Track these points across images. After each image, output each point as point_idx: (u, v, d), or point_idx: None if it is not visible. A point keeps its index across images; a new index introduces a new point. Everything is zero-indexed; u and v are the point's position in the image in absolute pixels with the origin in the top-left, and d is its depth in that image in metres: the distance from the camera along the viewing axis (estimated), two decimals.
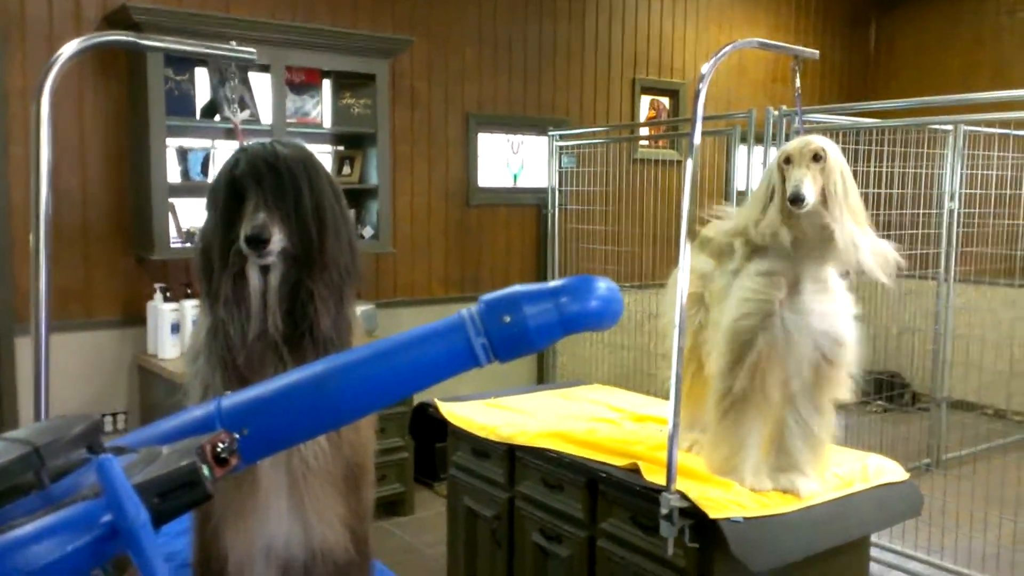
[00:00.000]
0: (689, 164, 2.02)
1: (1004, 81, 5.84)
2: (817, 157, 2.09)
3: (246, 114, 1.52)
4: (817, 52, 2.23)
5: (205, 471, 0.85)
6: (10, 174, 3.67)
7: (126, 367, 3.93)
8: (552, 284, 1.07)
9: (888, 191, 4.66)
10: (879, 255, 2.10)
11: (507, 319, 1.03)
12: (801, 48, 2.17)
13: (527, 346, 1.04)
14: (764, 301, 2.09)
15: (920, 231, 4.82)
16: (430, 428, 4.57)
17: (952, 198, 4.67)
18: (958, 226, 4.71)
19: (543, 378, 5.27)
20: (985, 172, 4.82)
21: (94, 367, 3.88)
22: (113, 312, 3.89)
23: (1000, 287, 4.72)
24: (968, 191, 4.74)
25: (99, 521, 0.76)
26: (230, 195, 1.47)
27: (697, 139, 2.02)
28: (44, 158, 1.43)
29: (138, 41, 1.56)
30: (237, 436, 0.95)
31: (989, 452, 4.68)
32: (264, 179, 1.45)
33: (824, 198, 2.08)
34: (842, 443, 2.55)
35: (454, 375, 1.05)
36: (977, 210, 4.85)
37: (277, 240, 1.44)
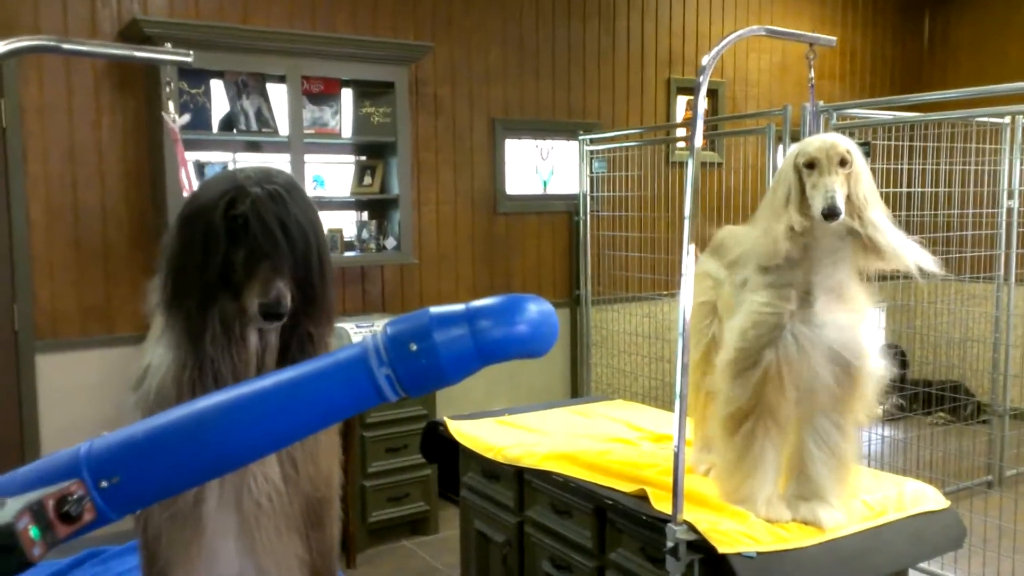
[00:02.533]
0: (690, 164, 1.85)
1: None
2: (844, 162, 1.90)
3: (185, 119, 1.43)
4: (834, 39, 2.04)
5: (32, 533, 0.72)
6: (28, 190, 3.66)
7: None
8: (472, 305, 0.92)
9: (941, 190, 4.38)
10: (914, 249, 1.90)
11: (413, 347, 0.89)
12: (815, 35, 1.98)
13: (438, 378, 0.90)
14: (772, 314, 1.91)
15: (979, 232, 4.53)
16: (446, 446, 4.46)
17: (1011, 196, 4.37)
18: (1018, 226, 4.40)
19: (576, 392, 5.09)
20: None
21: (116, 383, 3.84)
22: (134, 328, 3.86)
23: None
24: None
25: None
26: (226, 238, 1.34)
27: (698, 140, 1.85)
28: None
29: (60, 45, 1.46)
30: (92, 488, 0.82)
31: None
32: (278, 240, 1.33)
33: (851, 204, 1.89)
34: (897, 458, 2.34)
35: (356, 412, 0.92)
36: None
37: (288, 303, 1.33)
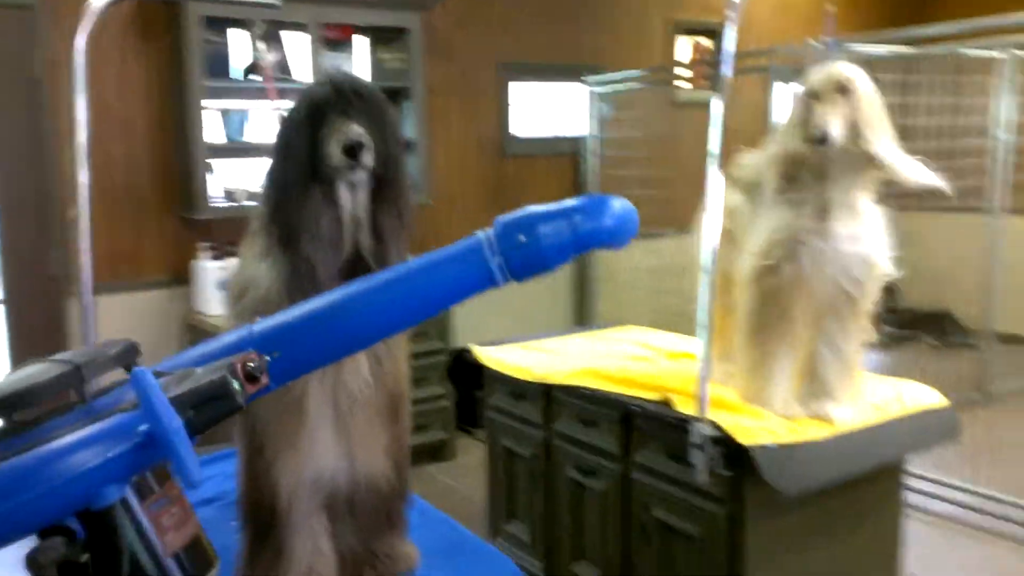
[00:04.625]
0: (717, 102, 2.01)
1: None
2: (843, 89, 2.06)
3: (272, 56, 1.54)
4: None
5: (235, 385, 0.90)
6: (57, 145, 3.78)
7: (175, 325, 4.06)
8: (566, 203, 1.09)
9: (935, 122, 4.54)
10: (920, 169, 2.08)
11: (522, 239, 1.05)
12: None
13: (542, 265, 1.07)
14: (791, 228, 2.09)
15: (969, 161, 4.70)
16: (469, 375, 4.66)
17: (1003, 128, 4.54)
18: (1010, 156, 4.59)
19: (582, 323, 5.30)
20: None
21: (146, 326, 4.01)
22: (161, 272, 4.01)
23: None
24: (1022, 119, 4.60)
25: (136, 430, 0.82)
26: (312, 120, 1.47)
27: (729, 71, 2.01)
28: (81, 116, 1.47)
29: None
30: (267, 358, 1.00)
31: None
32: (352, 101, 1.46)
33: (855, 130, 2.05)
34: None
35: (472, 295, 1.08)
36: None
37: (369, 154, 1.44)
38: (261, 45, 1.79)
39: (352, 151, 1.43)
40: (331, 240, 1.48)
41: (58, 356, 0.91)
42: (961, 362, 4.96)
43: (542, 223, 1.06)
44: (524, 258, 1.06)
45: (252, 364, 0.94)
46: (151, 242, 4.02)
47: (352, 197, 1.49)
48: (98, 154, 3.83)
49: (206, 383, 0.87)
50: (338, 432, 1.57)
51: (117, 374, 0.98)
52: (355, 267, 1.50)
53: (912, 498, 3.47)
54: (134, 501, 0.87)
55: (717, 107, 2.04)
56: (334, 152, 1.44)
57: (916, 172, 2.05)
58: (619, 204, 1.09)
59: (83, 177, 1.55)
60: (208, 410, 0.86)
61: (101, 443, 0.81)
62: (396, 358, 1.64)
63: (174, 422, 0.81)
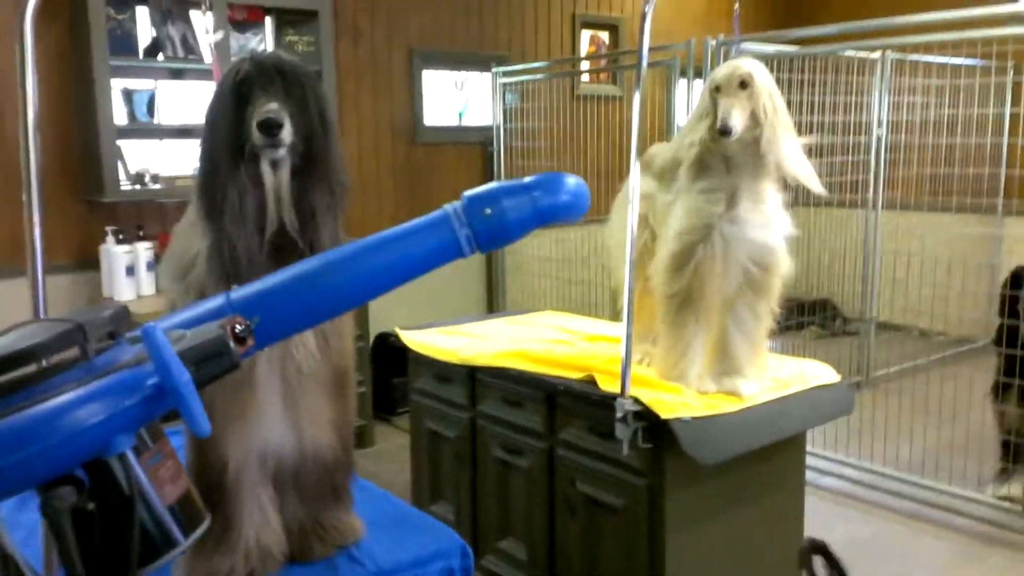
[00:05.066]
0: (637, 95, 2.13)
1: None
2: (744, 84, 2.22)
3: (220, 35, 1.54)
4: None
5: (231, 344, 0.95)
6: None
7: None
8: (526, 180, 1.18)
9: (817, 119, 4.85)
10: (806, 167, 2.27)
11: (488, 212, 1.13)
12: None
13: (505, 237, 1.15)
14: (704, 214, 2.24)
15: (849, 158, 5.04)
16: (389, 360, 4.69)
17: (880, 125, 4.89)
18: (886, 152, 4.94)
19: (492, 312, 5.40)
20: (911, 99, 5.04)
21: (55, 311, 3.83)
22: (67, 256, 3.87)
23: (925, 212, 4.98)
24: (896, 118, 4.96)
25: (146, 384, 0.85)
26: (236, 99, 1.49)
27: (644, 64, 2.13)
28: (31, 102, 1.45)
29: None
30: (250, 322, 1.04)
31: (915, 369, 4.97)
32: (273, 78, 1.48)
33: (755, 121, 2.22)
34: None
35: (440, 264, 1.15)
36: (904, 137, 5.08)
37: (287, 131, 1.47)
38: (209, 26, 1.79)
39: (267, 127, 1.45)
40: (253, 218, 1.50)
41: (56, 317, 0.93)
42: (842, 349, 5.31)
43: (506, 197, 1.14)
44: (490, 230, 1.14)
45: (240, 327, 0.98)
46: (55, 226, 3.87)
47: (274, 175, 1.51)
48: None
49: (207, 341, 0.91)
50: (286, 405, 1.61)
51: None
52: (281, 245, 1.53)
53: (807, 475, 3.73)
54: (132, 455, 0.90)
55: (636, 100, 2.16)
56: (253, 130, 1.46)
57: (796, 168, 2.23)
58: (573, 181, 1.19)
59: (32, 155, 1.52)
60: (208, 367, 0.91)
61: (112, 396, 0.84)
62: (342, 335, 1.69)
63: (184, 375, 0.85)
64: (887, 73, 4.81)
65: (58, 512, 0.83)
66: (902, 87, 5.02)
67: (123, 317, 0.99)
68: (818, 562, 1.56)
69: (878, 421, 3.93)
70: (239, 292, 1.11)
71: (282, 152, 1.50)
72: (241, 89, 1.50)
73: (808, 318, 5.46)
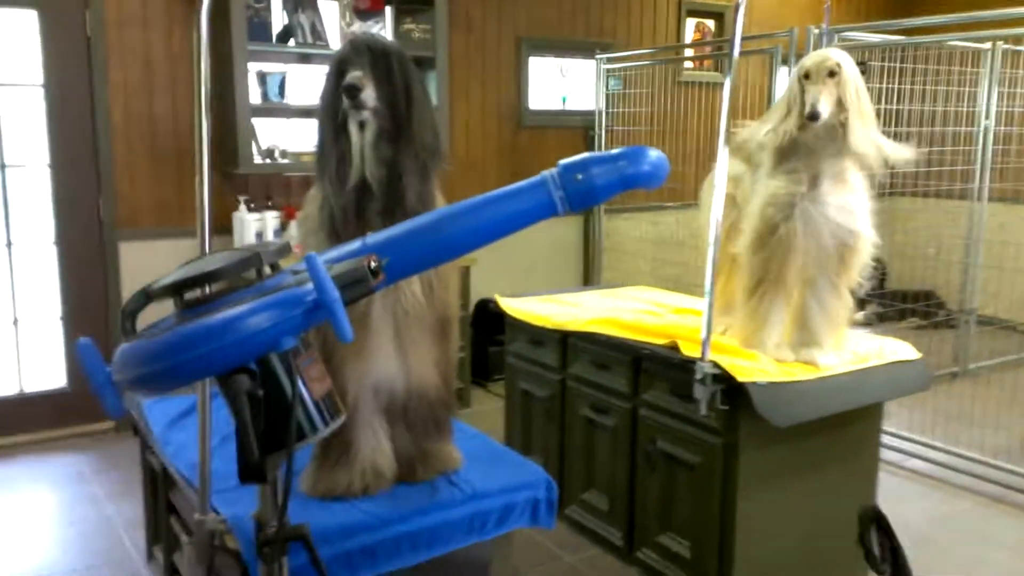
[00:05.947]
0: (727, 81, 2.30)
1: None
2: (832, 73, 2.35)
3: (356, 26, 1.77)
4: None
5: (369, 275, 1.19)
6: (110, 98, 4.04)
7: None
8: (614, 151, 1.39)
9: (923, 108, 4.82)
10: (888, 143, 2.38)
11: (579, 177, 1.35)
12: None
13: (593, 198, 1.36)
14: (787, 194, 2.39)
15: (958, 148, 4.99)
16: (488, 326, 4.96)
17: (988, 116, 4.83)
18: (993, 143, 4.88)
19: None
20: (1022, 90, 4.95)
21: None
22: None
23: None
24: (1005, 109, 4.89)
25: (306, 299, 1.11)
26: (336, 75, 1.76)
27: (736, 52, 2.29)
28: (204, 80, 1.73)
29: None
30: (382, 260, 1.29)
31: (1012, 364, 4.91)
32: (362, 52, 1.75)
33: (840, 107, 2.35)
34: None
35: (538, 220, 1.37)
36: (1016, 129, 5.00)
37: (370, 95, 1.72)
38: (346, 16, 2.06)
39: (349, 90, 1.69)
40: (339, 171, 1.77)
41: (235, 248, 1.20)
42: (942, 342, 5.28)
43: (595, 165, 1.35)
44: (580, 192, 1.35)
45: (375, 263, 1.23)
46: (192, 195, 4.28)
47: (360, 134, 1.76)
48: (146, 111, 4.13)
49: (352, 270, 1.16)
50: (396, 346, 1.87)
51: None
52: (363, 194, 1.78)
53: (889, 455, 3.79)
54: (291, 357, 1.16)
55: (726, 85, 2.32)
56: (342, 96, 1.73)
57: (886, 145, 2.34)
58: (655, 154, 1.39)
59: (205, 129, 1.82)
60: (352, 290, 1.16)
61: (281, 307, 1.10)
62: (446, 286, 1.94)
63: (335, 293, 1.10)
64: (997, 64, 4.75)
65: (237, 393, 1.09)
66: (1014, 79, 4.94)
67: (287, 250, 1.26)
68: (873, 533, 1.63)
69: (967, 410, 3.95)
70: (374, 237, 1.37)
71: (366, 114, 1.75)
72: (341, 67, 1.78)
73: (910, 307, 5.44)
